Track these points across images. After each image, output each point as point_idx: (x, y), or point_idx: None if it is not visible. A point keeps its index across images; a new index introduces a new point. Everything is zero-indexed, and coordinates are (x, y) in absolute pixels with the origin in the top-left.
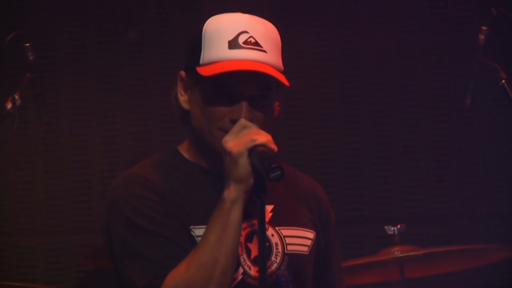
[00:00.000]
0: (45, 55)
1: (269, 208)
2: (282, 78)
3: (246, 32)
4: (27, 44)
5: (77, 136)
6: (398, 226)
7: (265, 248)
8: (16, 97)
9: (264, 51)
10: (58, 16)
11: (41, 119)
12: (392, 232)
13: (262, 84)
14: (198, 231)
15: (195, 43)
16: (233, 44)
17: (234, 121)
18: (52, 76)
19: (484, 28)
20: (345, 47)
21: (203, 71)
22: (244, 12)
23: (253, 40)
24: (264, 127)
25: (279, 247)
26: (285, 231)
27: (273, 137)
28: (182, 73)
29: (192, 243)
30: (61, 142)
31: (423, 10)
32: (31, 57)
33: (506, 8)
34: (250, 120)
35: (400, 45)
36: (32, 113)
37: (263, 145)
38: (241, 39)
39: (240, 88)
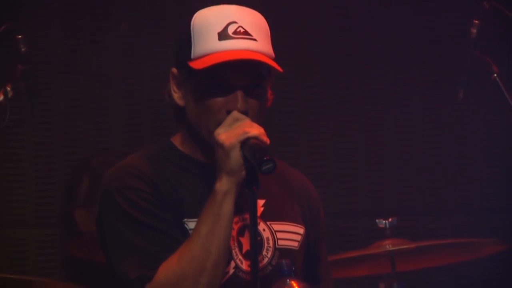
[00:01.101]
0: (37, 47)
1: (260, 202)
2: (275, 65)
3: (234, 22)
4: (19, 36)
5: (69, 128)
6: (390, 220)
7: (257, 240)
8: (8, 89)
9: (255, 40)
10: (50, 8)
11: (33, 111)
12: (383, 226)
13: (255, 72)
14: (191, 224)
15: (184, 38)
16: (223, 35)
17: (230, 112)
18: (44, 68)
19: (476, 22)
20: (338, 43)
21: (195, 64)
22: (236, 3)
23: (242, 30)
24: (259, 116)
25: (270, 242)
26: (276, 226)
27: (265, 129)
28: (174, 70)
29: (185, 236)
30: (54, 134)
31: (415, 4)
32: (23, 49)
33: (498, 1)
34: (246, 110)
35: (392, 40)
36: (24, 105)
37: (255, 138)
38: (231, 30)
39: (234, 78)
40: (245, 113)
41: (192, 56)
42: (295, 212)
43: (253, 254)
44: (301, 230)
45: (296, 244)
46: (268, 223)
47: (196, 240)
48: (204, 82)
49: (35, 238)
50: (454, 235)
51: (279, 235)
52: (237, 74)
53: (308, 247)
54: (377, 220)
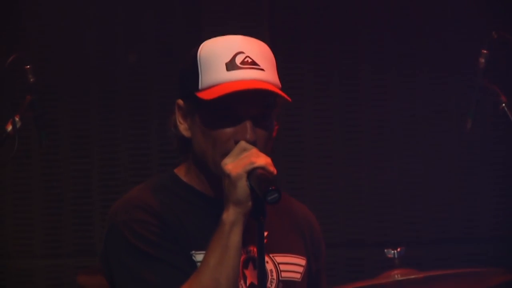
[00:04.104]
0: (45, 77)
1: None
2: (284, 95)
3: (242, 52)
4: (28, 67)
5: (77, 159)
6: (398, 249)
7: (265, 270)
8: (17, 119)
9: (262, 69)
10: (58, 38)
11: (42, 141)
12: (392, 255)
13: (263, 102)
14: (199, 256)
15: (191, 69)
16: (230, 65)
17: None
18: (52, 99)
19: (485, 51)
20: (345, 74)
21: (204, 95)
22: (244, 35)
23: (250, 60)
24: (266, 146)
25: (274, 274)
26: (279, 258)
27: (272, 159)
28: (180, 101)
29: (193, 268)
30: (61, 164)
31: (423, 34)
32: (31, 80)
33: (507, 31)
34: (255, 140)
35: (401, 68)
36: (33, 135)
37: (262, 168)
38: (238, 60)
39: (242, 108)
40: (253, 143)
41: (199, 87)
42: (297, 244)
43: (262, 283)
44: (303, 262)
45: (298, 276)
46: (271, 255)
47: (205, 271)
48: (212, 112)
49: (42, 269)
50: (462, 265)
51: (282, 267)
52: (245, 104)
53: (311, 279)
54: (385, 250)
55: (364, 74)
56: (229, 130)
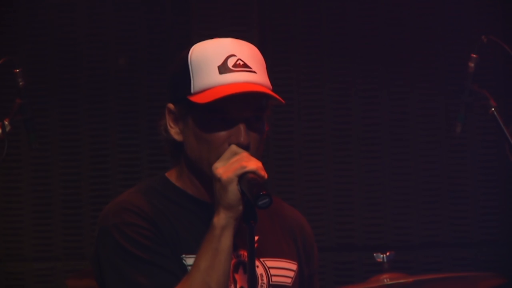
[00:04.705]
0: (35, 81)
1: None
2: (278, 97)
3: (233, 55)
4: (17, 70)
5: (67, 163)
6: (387, 254)
7: (255, 274)
8: (6, 123)
9: (254, 72)
10: (48, 42)
11: (31, 145)
12: (381, 260)
13: (256, 105)
14: (189, 259)
15: (182, 73)
16: (223, 68)
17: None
18: (42, 102)
19: (474, 56)
20: (335, 77)
21: (197, 99)
22: (234, 37)
23: (241, 63)
24: (259, 148)
25: (264, 278)
26: (269, 263)
27: (263, 163)
28: (170, 105)
29: (184, 272)
30: (51, 168)
31: (413, 38)
32: (21, 83)
33: (496, 36)
34: (249, 143)
35: (390, 72)
36: (22, 139)
37: (253, 172)
38: (230, 63)
39: (236, 111)
40: (247, 146)
41: (192, 90)
42: (288, 249)
43: (252, 286)
44: (294, 267)
45: (289, 280)
46: (261, 259)
47: (195, 275)
48: (205, 116)
49: (31, 272)
50: (451, 269)
51: (272, 271)
52: (239, 107)
53: (302, 284)
54: (374, 254)
55: (355, 77)
56: (223, 133)
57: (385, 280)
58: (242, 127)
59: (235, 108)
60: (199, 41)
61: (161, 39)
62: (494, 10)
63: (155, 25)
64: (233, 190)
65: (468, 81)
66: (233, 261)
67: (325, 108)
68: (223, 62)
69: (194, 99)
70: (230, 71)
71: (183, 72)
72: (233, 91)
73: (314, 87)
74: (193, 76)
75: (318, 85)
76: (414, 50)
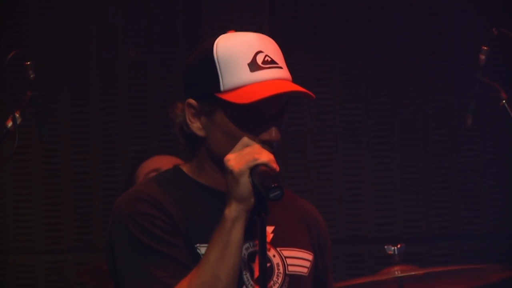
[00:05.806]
0: (45, 73)
1: (270, 229)
2: (311, 93)
3: (261, 51)
4: (28, 63)
5: (77, 155)
6: (398, 246)
7: (266, 266)
8: (17, 115)
9: (281, 68)
10: (58, 34)
11: (42, 137)
12: (392, 252)
13: (284, 101)
14: (204, 249)
15: (207, 69)
16: (253, 66)
17: (264, 142)
18: (52, 95)
19: (485, 48)
20: (346, 69)
21: (231, 98)
22: (245, 31)
23: (269, 59)
24: (279, 143)
25: (281, 268)
26: (286, 252)
27: (274, 156)
28: (191, 101)
29: (197, 261)
30: (62, 161)
31: (423, 31)
32: (31, 76)
33: (507, 28)
34: (279, 139)
35: (400, 66)
36: (33, 131)
37: (264, 164)
38: (259, 60)
39: (266, 108)
40: (277, 143)
41: (221, 88)
42: (304, 239)
43: (263, 279)
44: (310, 257)
45: (305, 270)
46: (278, 249)
47: (205, 266)
48: (236, 113)
49: (42, 265)
50: (462, 262)
51: (289, 261)
52: (270, 104)
53: (317, 274)
54: (385, 247)
55: (365, 70)
56: (253, 130)
57: (396, 272)
58: (272, 124)
59: (266, 105)
60: (210, 36)
61: (171, 32)
62: (505, 2)
63: (166, 18)
64: (245, 182)
65: (479, 74)
66: (250, 250)
67: (336, 101)
68: (252, 59)
69: (227, 97)
70: (260, 68)
71: (209, 68)
72: (271, 91)
73: (324, 80)
74: (221, 73)
75: (328, 79)
76: (425, 42)
